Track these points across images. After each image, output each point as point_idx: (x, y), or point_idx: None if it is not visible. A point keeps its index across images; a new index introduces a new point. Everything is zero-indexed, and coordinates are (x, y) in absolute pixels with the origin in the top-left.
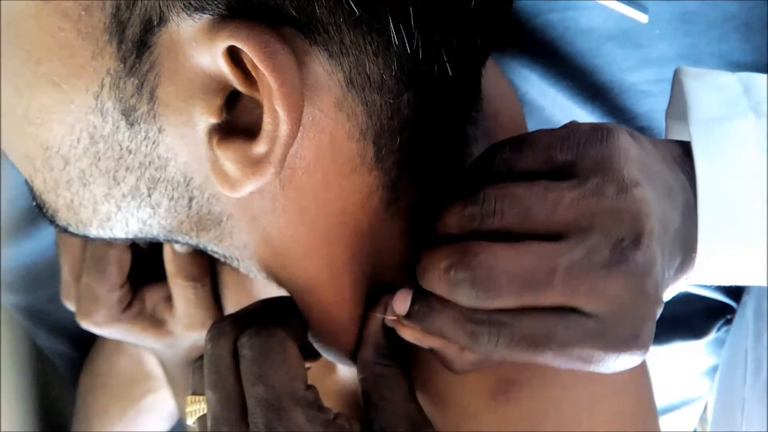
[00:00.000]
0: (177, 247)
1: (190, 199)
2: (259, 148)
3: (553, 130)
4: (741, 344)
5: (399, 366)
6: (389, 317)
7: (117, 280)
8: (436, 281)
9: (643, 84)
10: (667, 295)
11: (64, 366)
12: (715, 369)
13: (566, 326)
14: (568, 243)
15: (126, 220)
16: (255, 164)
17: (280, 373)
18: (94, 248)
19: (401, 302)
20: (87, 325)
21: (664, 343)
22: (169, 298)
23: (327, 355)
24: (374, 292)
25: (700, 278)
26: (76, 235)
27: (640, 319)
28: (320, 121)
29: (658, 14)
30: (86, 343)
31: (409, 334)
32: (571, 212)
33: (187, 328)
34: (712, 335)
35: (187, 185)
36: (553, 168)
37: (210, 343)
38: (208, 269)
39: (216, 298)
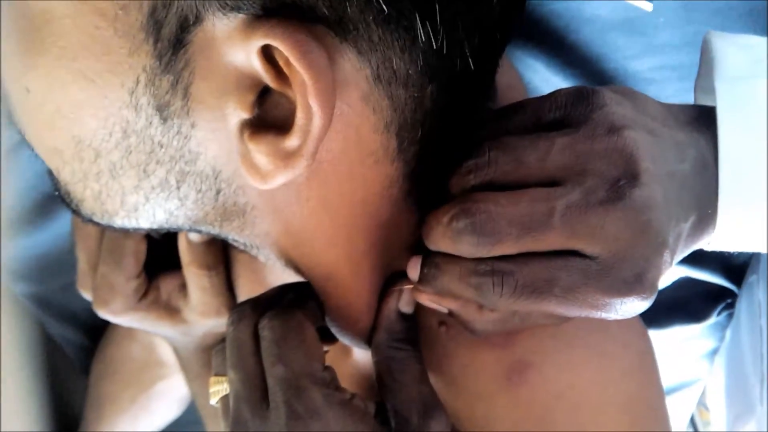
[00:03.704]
0: (192, 236)
1: (218, 192)
2: (292, 141)
3: (538, 96)
4: (755, 322)
5: (412, 349)
6: (407, 286)
7: (133, 269)
8: (440, 237)
9: (647, 71)
10: (684, 250)
11: (75, 354)
12: (714, 352)
13: (568, 270)
14: (564, 187)
15: (153, 211)
16: (287, 157)
17: (298, 354)
18: (110, 239)
19: (413, 269)
20: (104, 313)
21: (663, 326)
22: (183, 287)
23: (343, 339)
24: (390, 279)
25: (722, 242)
26: (100, 225)
27: (644, 259)
28: (347, 115)
29: (663, 2)
30: (97, 331)
31: (426, 298)
32: (563, 157)
33: (202, 315)
34: (713, 319)
35: (216, 178)
36: (542, 128)
37: (232, 326)
38: (222, 258)
39: (229, 287)
